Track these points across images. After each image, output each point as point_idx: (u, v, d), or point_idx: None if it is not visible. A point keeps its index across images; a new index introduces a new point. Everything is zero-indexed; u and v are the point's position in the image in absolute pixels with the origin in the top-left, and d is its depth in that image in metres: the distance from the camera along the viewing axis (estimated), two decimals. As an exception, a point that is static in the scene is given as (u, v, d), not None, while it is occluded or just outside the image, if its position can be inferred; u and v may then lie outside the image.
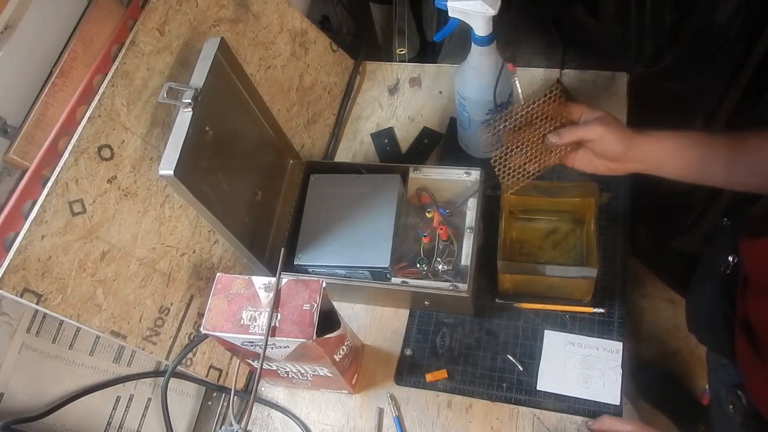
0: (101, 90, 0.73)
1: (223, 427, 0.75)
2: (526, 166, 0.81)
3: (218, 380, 0.91)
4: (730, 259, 0.74)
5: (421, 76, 1.22)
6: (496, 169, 0.81)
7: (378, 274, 0.90)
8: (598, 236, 0.84)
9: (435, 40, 0.92)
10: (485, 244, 0.93)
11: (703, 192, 1.23)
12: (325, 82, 1.15)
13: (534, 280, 0.88)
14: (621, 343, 0.88)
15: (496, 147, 0.81)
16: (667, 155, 0.74)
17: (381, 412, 0.90)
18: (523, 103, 0.79)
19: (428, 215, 0.93)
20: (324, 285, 0.71)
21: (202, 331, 0.72)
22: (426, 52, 1.29)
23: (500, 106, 0.89)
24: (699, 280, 0.82)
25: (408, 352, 0.94)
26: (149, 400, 0.89)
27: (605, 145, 0.75)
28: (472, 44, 0.87)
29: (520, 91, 0.82)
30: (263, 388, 0.96)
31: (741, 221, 0.78)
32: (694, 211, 1.26)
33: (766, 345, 0.66)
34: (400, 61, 1.26)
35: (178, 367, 0.82)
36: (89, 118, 0.71)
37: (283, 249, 0.79)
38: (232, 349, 0.77)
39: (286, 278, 0.73)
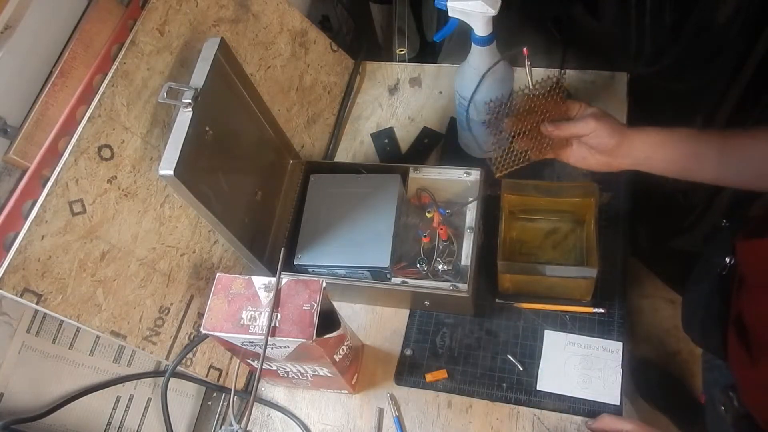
0: (101, 90, 0.73)
1: (223, 427, 0.75)
2: (522, 153, 0.84)
3: (218, 380, 0.91)
4: (727, 260, 0.74)
5: (421, 76, 1.22)
6: (492, 153, 0.84)
7: (378, 274, 0.90)
8: (598, 236, 0.84)
9: (435, 40, 0.93)
10: (485, 244, 0.93)
11: (703, 192, 1.23)
12: (325, 82, 1.15)
13: (534, 280, 0.88)
14: (621, 343, 0.88)
15: (497, 131, 0.84)
16: (656, 150, 0.76)
17: (381, 412, 0.90)
18: (531, 87, 0.82)
19: (428, 215, 0.93)
20: (324, 285, 0.71)
21: (202, 331, 0.72)
22: (426, 52, 1.29)
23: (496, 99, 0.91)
24: (695, 280, 0.83)
25: (408, 352, 0.94)
26: (149, 400, 0.89)
27: (598, 139, 0.77)
28: (472, 44, 0.87)
29: (530, 76, 0.83)
30: (263, 388, 0.96)
31: (739, 223, 0.79)
32: (694, 211, 1.26)
33: (757, 344, 0.67)
34: (400, 61, 1.26)
35: (178, 367, 0.82)
36: (89, 118, 0.71)
37: (283, 249, 0.79)
38: (232, 349, 0.77)
39: (286, 278, 0.73)
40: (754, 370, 0.67)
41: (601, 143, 0.78)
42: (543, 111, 0.82)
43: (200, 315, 0.87)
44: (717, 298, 0.76)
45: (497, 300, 0.94)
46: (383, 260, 0.88)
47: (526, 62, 0.84)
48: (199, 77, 0.77)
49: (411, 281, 0.89)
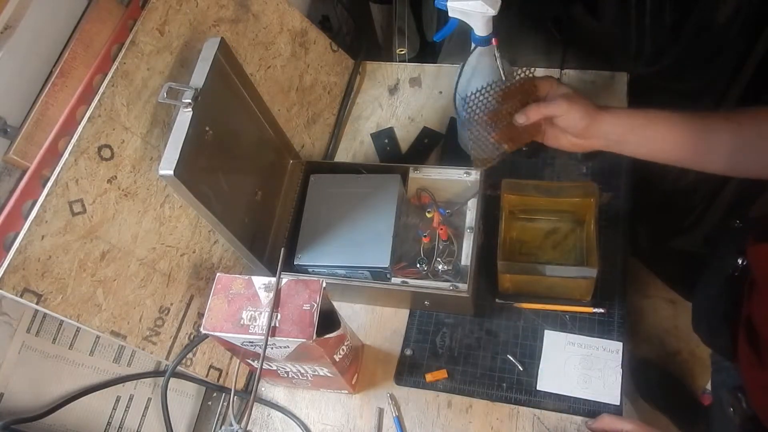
0: (101, 90, 0.73)
1: (223, 427, 0.75)
2: (501, 144, 0.85)
3: (218, 380, 0.91)
4: (740, 261, 0.74)
5: (421, 76, 1.22)
6: (471, 147, 0.84)
7: (378, 274, 0.90)
8: (598, 236, 0.84)
9: (435, 40, 0.92)
10: (485, 244, 0.93)
11: (703, 192, 1.23)
12: (325, 82, 1.15)
13: (534, 280, 0.88)
14: (621, 343, 0.88)
15: (474, 124, 0.83)
16: (628, 131, 0.76)
17: (381, 412, 0.90)
18: (503, 79, 0.82)
19: (428, 215, 0.93)
20: (324, 285, 0.71)
21: (202, 331, 0.72)
22: (426, 52, 1.29)
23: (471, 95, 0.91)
24: (706, 280, 0.82)
25: (408, 352, 0.94)
26: (149, 400, 0.89)
27: (569, 121, 0.77)
28: (472, 44, 0.87)
29: (501, 67, 0.83)
30: (263, 388, 0.96)
31: (751, 223, 0.79)
32: (694, 211, 1.26)
33: (766, 346, 0.66)
34: (400, 61, 1.26)
35: (178, 367, 0.82)
36: (89, 118, 0.71)
37: (283, 249, 0.79)
38: (232, 349, 0.77)
39: (286, 278, 0.73)
40: (762, 372, 0.67)
41: (571, 125, 0.77)
42: (516, 98, 0.82)
43: (200, 315, 0.87)
44: (727, 299, 0.75)
45: (497, 300, 0.94)
46: (383, 260, 0.88)
47: (496, 53, 0.84)
48: (199, 77, 0.77)
49: (411, 281, 0.89)
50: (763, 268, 0.69)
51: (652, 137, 0.75)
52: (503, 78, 0.82)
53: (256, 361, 0.78)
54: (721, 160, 0.72)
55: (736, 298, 0.74)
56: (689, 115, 0.74)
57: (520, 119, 0.80)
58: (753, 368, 0.69)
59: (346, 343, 0.82)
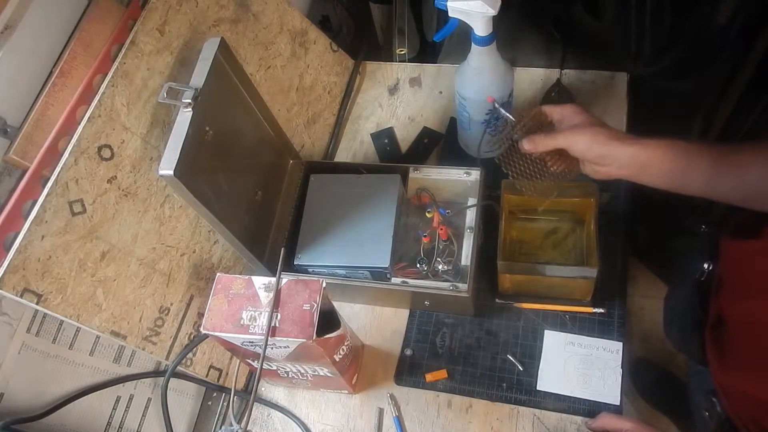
0: (101, 90, 0.73)
1: (223, 427, 0.75)
2: (550, 186, 0.82)
3: (218, 380, 0.91)
4: (705, 266, 0.73)
5: (421, 76, 1.22)
6: (524, 190, 0.82)
7: (378, 274, 0.90)
8: (598, 236, 0.84)
9: (435, 40, 0.93)
10: (485, 244, 0.93)
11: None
12: (325, 82, 1.15)
13: (534, 280, 0.88)
14: (621, 343, 0.88)
15: (501, 149, 0.82)
16: (647, 162, 0.72)
17: (381, 412, 0.90)
18: (515, 120, 0.80)
19: (428, 215, 0.93)
20: (324, 285, 0.71)
21: (202, 331, 0.72)
22: (426, 52, 1.29)
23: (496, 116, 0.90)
24: (674, 285, 0.82)
25: (408, 352, 0.94)
26: (149, 400, 0.89)
27: (577, 150, 0.74)
28: (472, 44, 0.87)
29: (508, 114, 0.83)
30: (263, 388, 0.96)
31: (718, 227, 0.78)
32: (695, 211, 1.25)
33: (733, 349, 0.66)
34: (400, 61, 1.26)
35: (178, 367, 0.82)
36: (89, 118, 0.71)
37: (283, 249, 0.79)
38: (232, 349, 0.77)
39: (286, 278, 0.73)
40: (728, 375, 0.67)
41: (581, 154, 0.74)
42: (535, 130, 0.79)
43: (200, 315, 0.87)
44: (695, 303, 0.74)
45: (497, 300, 0.94)
46: (383, 260, 0.88)
47: (495, 105, 0.84)
48: (199, 77, 0.77)
49: (411, 281, 0.89)
50: (735, 266, 0.68)
51: (674, 170, 0.70)
52: (511, 120, 0.81)
53: (256, 361, 0.78)
54: (748, 193, 0.66)
55: (703, 302, 0.73)
56: (715, 147, 0.69)
57: (527, 145, 0.76)
58: (720, 371, 0.68)
59: (346, 343, 0.82)
